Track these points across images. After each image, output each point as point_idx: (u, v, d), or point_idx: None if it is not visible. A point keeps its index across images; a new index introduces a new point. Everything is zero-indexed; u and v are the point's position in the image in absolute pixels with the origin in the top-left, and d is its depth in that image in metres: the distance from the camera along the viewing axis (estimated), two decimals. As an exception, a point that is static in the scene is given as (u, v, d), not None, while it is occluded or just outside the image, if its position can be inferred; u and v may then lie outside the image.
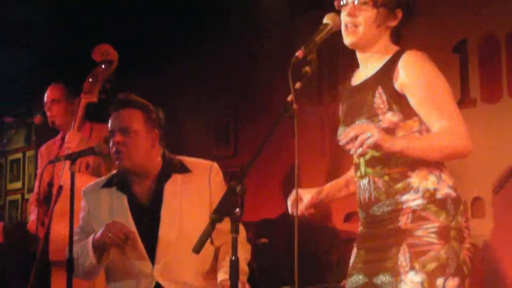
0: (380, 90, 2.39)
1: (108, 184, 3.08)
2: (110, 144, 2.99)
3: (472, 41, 4.09)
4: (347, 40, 2.44)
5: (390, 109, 2.36)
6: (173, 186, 3.01)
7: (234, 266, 2.04)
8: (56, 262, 3.93)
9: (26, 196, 6.72)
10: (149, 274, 2.94)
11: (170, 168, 3.05)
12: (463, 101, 4.07)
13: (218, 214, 2.02)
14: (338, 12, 2.43)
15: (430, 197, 2.34)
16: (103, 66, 4.09)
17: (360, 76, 2.53)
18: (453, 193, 2.36)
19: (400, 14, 2.44)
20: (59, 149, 4.28)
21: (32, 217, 4.33)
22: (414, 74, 2.36)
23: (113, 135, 2.98)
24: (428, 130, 2.36)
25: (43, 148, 4.48)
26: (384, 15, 2.41)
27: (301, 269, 2.13)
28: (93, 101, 4.07)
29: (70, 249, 2.90)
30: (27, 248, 4.22)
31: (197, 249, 2.04)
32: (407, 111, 2.36)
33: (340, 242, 4.37)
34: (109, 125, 3.02)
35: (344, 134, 2.22)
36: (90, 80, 4.07)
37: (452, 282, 2.28)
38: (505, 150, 3.84)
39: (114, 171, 3.15)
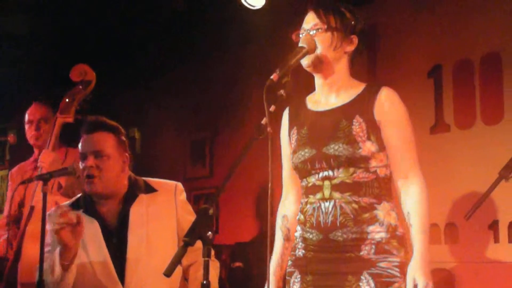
0: (359, 118, 2.42)
1: (74, 207, 3.02)
2: (81, 167, 2.96)
3: (447, 66, 4.12)
4: (304, 62, 2.45)
5: (368, 138, 2.40)
6: (139, 207, 3.00)
7: (205, 290, 2.02)
8: (26, 284, 3.87)
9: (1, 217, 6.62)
10: None
11: (136, 189, 3.04)
12: (437, 126, 4.10)
13: (190, 237, 2.01)
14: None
15: (393, 232, 2.39)
16: (80, 86, 4.06)
17: (321, 103, 2.54)
18: (404, 231, 2.42)
19: (356, 40, 2.49)
20: (34, 170, 4.23)
21: (1, 239, 4.26)
22: (397, 112, 2.44)
23: (85, 158, 2.95)
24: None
25: (14, 170, 4.42)
26: (339, 38, 2.46)
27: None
28: (69, 121, 4.03)
29: (41, 270, 2.86)
30: (-5, 270, 4.14)
31: (169, 272, 2.01)
32: (380, 143, 2.42)
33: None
34: (80, 147, 2.99)
35: None
36: (67, 100, 4.04)
37: None
38: (479, 175, 3.85)
39: (79, 194, 3.12)
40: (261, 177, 4.64)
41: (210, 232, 2.00)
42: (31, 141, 4.31)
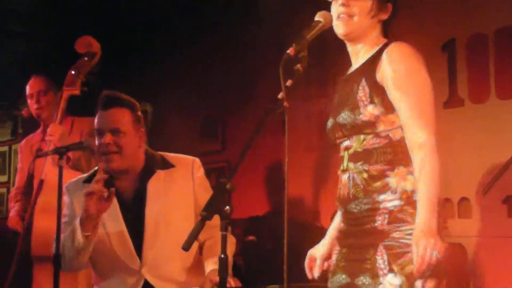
0: (363, 82, 2.38)
1: (90, 180, 3.02)
2: (97, 143, 2.96)
3: (461, 40, 4.09)
4: (341, 30, 2.42)
5: (371, 101, 2.34)
6: (156, 183, 3.00)
7: (223, 263, 2.03)
8: (39, 257, 3.90)
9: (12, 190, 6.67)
10: (137, 272, 2.93)
11: (153, 165, 3.04)
12: (451, 100, 4.08)
13: (208, 212, 2.01)
14: (327, 4, 2.44)
15: (407, 198, 2.29)
16: (86, 58, 4.06)
17: (351, 69, 2.53)
18: None
19: (390, 8, 2.46)
20: (41, 142, 4.24)
21: (12, 212, 4.29)
22: (395, 66, 2.32)
23: (102, 135, 2.93)
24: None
25: (23, 143, 4.45)
26: (377, 6, 2.42)
27: (289, 267, 2.12)
28: (75, 93, 4.03)
29: (57, 244, 2.88)
30: (8, 243, 4.18)
31: (187, 246, 2.03)
32: (388, 105, 2.33)
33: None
34: (96, 123, 2.98)
35: (417, 270, 2.19)
36: (73, 72, 4.04)
37: (430, 284, 2.25)
38: (493, 150, 3.84)
39: (96, 167, 3.12)
40: (275, 151, 4.66)
41: (228, 207, 2.00)
42: (34, 114, 4.33)
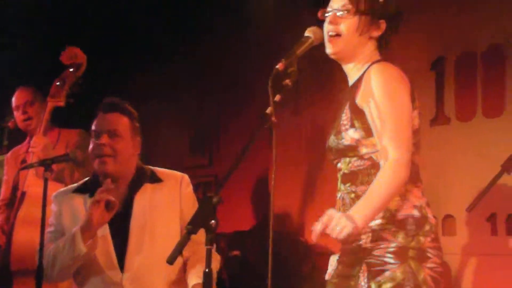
0: (347, 106, 2.40)
1: (80, 191, 3.03)
2: (92, 146, 2.95)
3: (450, 58, 4.11)
4: (329, 49, 2.42)
5: (352, 125, 2.36)
6: (143, 196, 2.99)
7: (208, 278, 2.02)
8: (18, 271, 3.85)
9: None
10: (118, 283, 2.91)
11: (142, 177, 3.03)
12: (438, 118, 4.10)
13: (193, 225, 2.01)
14: (320, 26, 2.43)
15: (390, 217, 2.30)
16: (71, 69, 4.05)
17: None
18: (416, 213, 2.32)
19: (383, 25, 2.42)
20: (26, 154, 4.22)
21: None
22: (375, 88, 2.32)
23: (99, 136, 2.94)
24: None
25: (9, 154, 4.42)
26: (367, 23, 2.39)
27: (273, 281, 2.12)
28: (59, 105, 4.02)
29: (40, 256, 2.85)
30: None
31: (171, 260, 2.02)
32: (368, 128, 2.33)
33: (312, 254, 4.36)
34: (94, 125, 2.99)
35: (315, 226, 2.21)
36: (58, 84, 4.03)
37: None
38: (478, 168, 3.86)
39: (85, 179, 3.11)
40: (260, 165, 4.65)
41: (213, 221, 2.00)
42: (21, 126, 4.31)
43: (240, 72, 5.14)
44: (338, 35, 2.39)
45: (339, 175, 2.44)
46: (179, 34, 5.33)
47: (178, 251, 2.03)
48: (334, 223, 2.17)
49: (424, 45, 4.18)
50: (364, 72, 2.40)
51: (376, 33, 2.43)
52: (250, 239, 4.61)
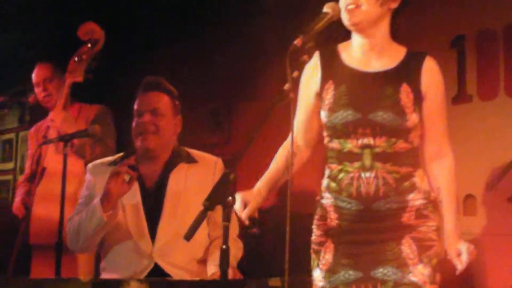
0: (406, 87, 2.40)
1: (115, 164, 3.09)
2: (134, 124, 3.01)
3: (470, 36, 4.06)
4: (349, 20, 2.39)
5: (415, 110, 2.40)
6: (178, 174, 3.07)
7: (224, 255, 2.03)
8: (37, 245, 3.90)
9: (18, 177, 6.68)
10: (148, 254, 2.95)
11: (178, 157, 3.12)
12: (460, 96, 4.05)
13: (210, 202, 2.01)
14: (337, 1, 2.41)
15: (428, 197, 2.45)
16: (88, 45, 4.07)
17: (361, 62, 2.47)
18: (433, 195, 2.51)
19: None
20: (47, 129, 4.26)
21: (17, 198, 4.30)
22: (440, 85, 2.47)
23: (142, 115, 3.01)
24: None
25: (32, 130, 4.47)
26: None
27: (290, 260, 2.11)
28: (78, 80, 4.05)
29: (60, 230, 2.89)
30: (12, 230, 4.20)
31: (188, 236, 2.04)
32: (421, 114, 2.44)
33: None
34: (136, 105, 3.05)
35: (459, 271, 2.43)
36: (76, 59, 4.05)
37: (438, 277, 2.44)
38: (499, 148, 3.82)
39: (121, 154, 3.16)
40: (279, 144, 4.62)
41: (230, 197, 2.00)
42: (42, 102, 4.34)
43: (259, 51, 5.11)
44: (358, 7, 2.37)
45: (365, 152, 2.40)
46: (194, 14, 5.31)
47: (194, 228, 2.05)
48: (470, 256, 2.44)
49: (443, 24, 4.13)
50: (411, 57, 2.45)
51: (394, 4, 2.43)
52: (269, 217, 4.60)
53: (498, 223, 3.86)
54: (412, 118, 2.39)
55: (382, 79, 2.42)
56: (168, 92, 3.11)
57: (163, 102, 3.06)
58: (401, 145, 2.41)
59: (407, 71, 2.42)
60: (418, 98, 2.41)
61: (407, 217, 2.41)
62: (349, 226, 2.45)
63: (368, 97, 2.42)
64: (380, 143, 2.39)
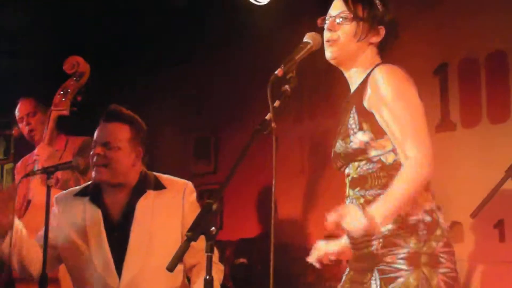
0: (353, 109, 2.37)
1: (81, 194, 3.04)
2: (91, 153, 2.96)
3: (453, 64, 4.11)
4: (327, 53, 2.42)
5: (360, 128, 2.33)
6: (146, 202, 2.98)
7: (208, 285, 2.00)
8: (20, 279, 3.85)
9: (3, 209, 6.61)
10: None
11: (145, 184, 3.02)
12: (443, 124, 4.09)
13: (193, 232, 1.99)
14: (319, 32, 2.43)
15: (401, 222, 2.25)
16: (74, 78, 4.07)
17: (348, 95, 2.51)
18: (427, 218, 2.27)
19: (382, 31, 2.42)
20: (34, 163, 4.25)
21: None
22: (388, 92, 2.29)
23: (95, 146, 2.95)
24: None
25: (19, 164, 4.46)
26: (365, 29, 2.39)
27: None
28: (63, 114, 4.04)
29: (44, 262, 2.85)
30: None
31: (171, 267, 2.00)
32: (377, 130, 2.31)
33: (317, 263, 4.33)
34: (95, 135, 3.00)
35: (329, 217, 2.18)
36: (61, 92, 4.05)
37: None
38: (485, 174, 3.84)
39: (88, 182, 3.12)
40: (266, 173, 4.63)
41: (213, 228, 1.98)
42: (28, 137, 4.35)
43: (244, 80, 5.14)
44: (335, 41, 2.39)
45: (347, 181, 2.41)
46: (181, 43, 5.33)
47: (178, 258, 2.01)
48: (351, 217, 2.15)
49: (426, 51, 4.17)
50: (368, 75, 2.38)
51: (376, 39, 2.43)
52: (256, 247, 4.59)
53: (485, 249, 3.87)
54: (357, 139, 2.32)
55: (347, 105, 2.45)
56: (130, 122, 2.98)
57: (120, 134, 2.95)
58: (365, 167, 2.34)
59: (357, 92, 2.41)
60: (364, 116, 2.33)
61: (376, 246, 2.28)
62: (352, 253, 2.44)
63: (338, 129, 2.46)
64: (350, 170, 2.40)
